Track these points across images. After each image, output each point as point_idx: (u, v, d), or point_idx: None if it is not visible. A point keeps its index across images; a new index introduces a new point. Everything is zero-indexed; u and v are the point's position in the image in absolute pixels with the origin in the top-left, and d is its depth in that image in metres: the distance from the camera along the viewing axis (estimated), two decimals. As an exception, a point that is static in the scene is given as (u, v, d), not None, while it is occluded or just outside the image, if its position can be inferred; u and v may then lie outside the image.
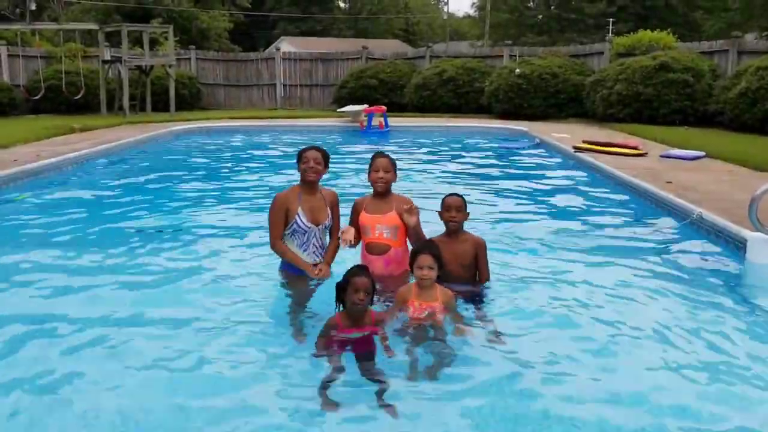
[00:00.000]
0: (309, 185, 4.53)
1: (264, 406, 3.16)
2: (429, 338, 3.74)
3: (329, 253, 4.64)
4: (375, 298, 3.80)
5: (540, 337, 3.91)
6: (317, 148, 4.56)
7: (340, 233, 4.53)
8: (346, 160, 11.25)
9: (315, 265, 4.54)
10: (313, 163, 4.46)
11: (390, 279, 4.41)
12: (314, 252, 4.58)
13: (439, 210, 4.38)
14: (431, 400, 3.18)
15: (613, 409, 3.13)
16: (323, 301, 4.12)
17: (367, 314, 3.71)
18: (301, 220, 4.47)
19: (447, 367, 3.47)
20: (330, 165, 4.62)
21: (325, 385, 3.26)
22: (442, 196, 4.44)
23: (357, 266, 3.76)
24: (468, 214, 4.39)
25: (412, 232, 4.40)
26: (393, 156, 4.61)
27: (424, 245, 3.99)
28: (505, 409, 3.13)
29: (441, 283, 3.96)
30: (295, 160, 4.58)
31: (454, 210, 4.28)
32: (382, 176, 4.44)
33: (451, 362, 3.51)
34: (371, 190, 4.58)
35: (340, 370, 3.42)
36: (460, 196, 4.40)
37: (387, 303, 4.15)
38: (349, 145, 14.14)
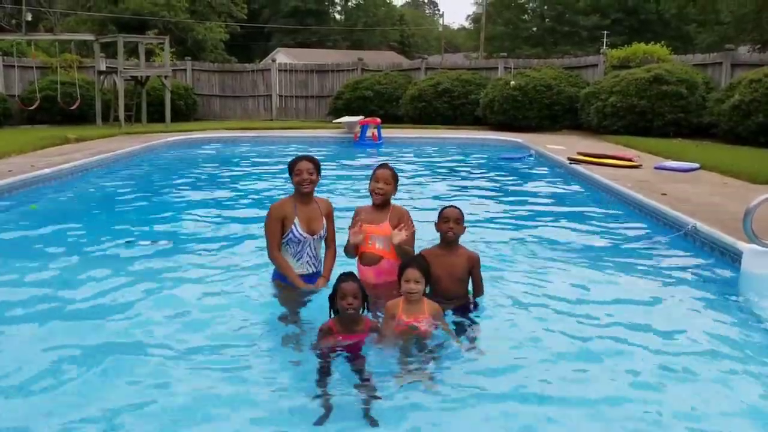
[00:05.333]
0: (304, 195, 4.55)
1: (257, 414, 3.15)
2: (416, 350, 3.71)
3: (326, 268, 4.64)
4: (367, 309, 3.81)
5: (533, 351, 3.89)
6: (308, 159, 4.56)
7: (351, 232, 4.45)
8: (339, 171, 11.27)
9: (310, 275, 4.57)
10: (306, 174, 4.48)
11: (382, 287, 4.41)
12: (308, 262, 4.59)
13: (436, 221, 4.36)
14: (422, 410, 3.17)
15: (606, 423, 3.12)
16: (315, 310, 4.14)
17: (362, 321, 3.73)
18: (297, 229, 4.48)
19: (435, 379, 3.45)
20: (323, 174, 4.63)
21: (321, 391, 3.29)
22: (440, 208, 4.43)
23: (343, 273, 3.77)
24: (465, 227, 4.38)
25: (398, 250, 4.33)
26: None
27: (411, 259, 3.99)
28: (495, 423, 3.12)
29: (429, 297, 3.96)
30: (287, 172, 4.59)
31: (452, 221, 4.26)
32: (382, 187, 4.46)
33: (436, 374, 3.50)
34: (368, 200, 4.58)
35: (328, 373, 3.47)
36: (458, 208, 4.38)
37: (379, 312, 4.12)
38: (341, 156, 14.15)
